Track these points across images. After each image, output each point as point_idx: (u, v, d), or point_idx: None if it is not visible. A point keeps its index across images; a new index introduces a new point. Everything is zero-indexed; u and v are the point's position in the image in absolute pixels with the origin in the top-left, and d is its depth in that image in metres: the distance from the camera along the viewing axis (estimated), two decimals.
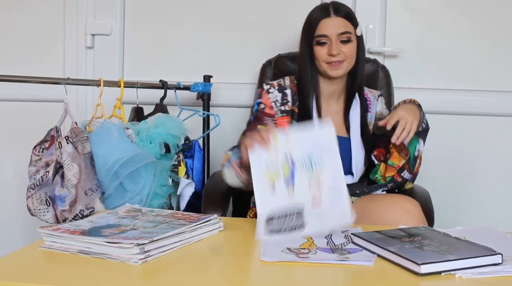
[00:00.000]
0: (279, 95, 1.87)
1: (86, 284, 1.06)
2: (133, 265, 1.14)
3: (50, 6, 2.55)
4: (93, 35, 2.53)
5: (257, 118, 1.86)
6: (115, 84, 2.11)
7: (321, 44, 1.81)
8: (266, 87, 1.89)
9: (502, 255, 1.13)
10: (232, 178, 1.68)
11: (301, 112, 1.85)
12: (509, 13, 2.35)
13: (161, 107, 2.18)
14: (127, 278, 1.09)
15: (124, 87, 2.09)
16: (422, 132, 1.79)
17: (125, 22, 2.54)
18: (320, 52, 1.82)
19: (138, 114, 2.17)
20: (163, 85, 2.20)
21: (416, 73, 2.38)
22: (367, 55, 2.27)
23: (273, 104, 1.86)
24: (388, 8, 2.37)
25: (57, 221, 1.86)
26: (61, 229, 1.28)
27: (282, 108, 1.86)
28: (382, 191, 1.95)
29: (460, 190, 2.39)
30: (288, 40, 2.33)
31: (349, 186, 1.88)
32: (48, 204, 1.89)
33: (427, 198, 1.91)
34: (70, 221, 1.77)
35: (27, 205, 1.92)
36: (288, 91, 1.88)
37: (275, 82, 1.90)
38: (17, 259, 1.21)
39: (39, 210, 1.90)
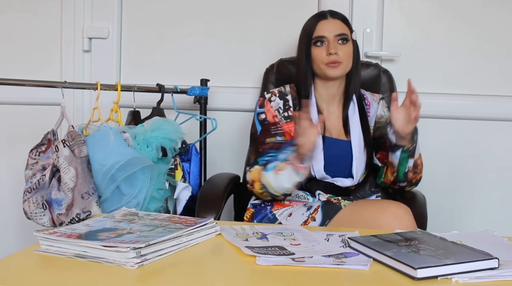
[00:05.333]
0: (281, 102, 1.89)
1: None
2: (129, 269, 1.13)
3: (47, 9, 2.54)
4: (90, 38, 2.53)
5: (265, 130, 1.88)
6: (112, 87, 2.11)
7: (319, 46, 1.83)
8: (267, 96, 1.92)
9: (498, 259, 1.13)
10: (288, 179, 1.69)
11: None
12: (504, 17, 2.36)
13: (158, 111, 2.18)
14: (124, 282, 1.09)
15: (121, 90, 2.09)
16: (411, 152, 1.80)
17: (122, 25, 2.54)
18: (318, 53, 1.83)
19: (135, 118, 2.17)
20: (160, 89, 2.20)
21: (413, 77, 2.36)
22: (367, 60, 2.28)
23: (276, 112, 1.89)
24: (385, 12, 2.38)
25: (54, 225, 1.86)
26: (57, 233, 1.28)
27: (285, 114, 1.88)
28: (376, 197, 1.95)
29: (457, 194, 2.39)
30: (286, 44, 2.34)
31: (349, 188, 1.90)
32: (44, 208, 1.88)
33: (422, 203, 1.91)
34: (67, 224, 1.76)
35: (24, 209, 1.92)
36: (289, 97, 1.90)
37: (275, 90, 1.92)
38: (13, 263, 1.20)
39: (36, 213, 1.90)
